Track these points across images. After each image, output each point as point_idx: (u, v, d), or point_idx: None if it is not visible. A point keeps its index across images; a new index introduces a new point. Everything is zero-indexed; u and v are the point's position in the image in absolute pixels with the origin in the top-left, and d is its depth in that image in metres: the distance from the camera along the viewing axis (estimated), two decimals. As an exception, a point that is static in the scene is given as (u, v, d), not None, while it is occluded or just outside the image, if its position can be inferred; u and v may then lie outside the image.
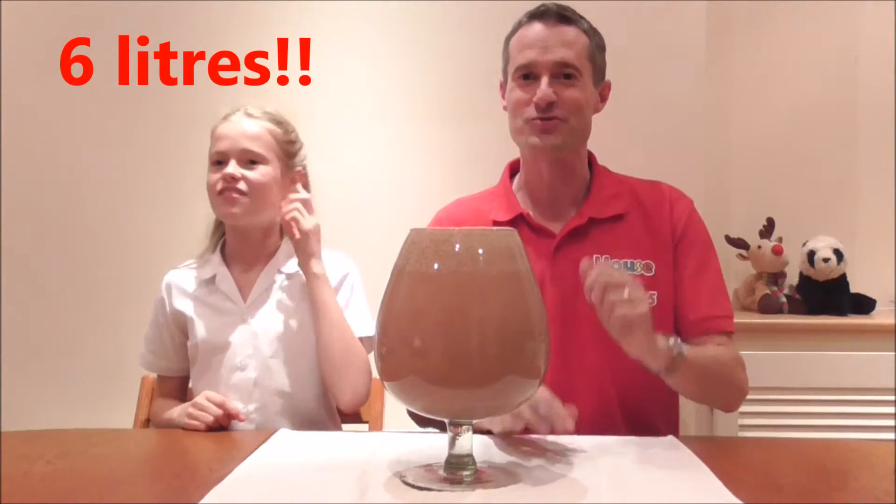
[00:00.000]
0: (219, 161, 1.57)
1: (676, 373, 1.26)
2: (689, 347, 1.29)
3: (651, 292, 1.44)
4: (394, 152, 2.42)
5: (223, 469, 1.13)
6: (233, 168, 1.55)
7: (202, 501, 1.00)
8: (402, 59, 2.42)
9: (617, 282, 1.17)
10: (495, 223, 1.53)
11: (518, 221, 1.52)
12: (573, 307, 1.44)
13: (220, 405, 1.43)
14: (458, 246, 1.03)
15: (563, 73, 1.45)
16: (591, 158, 1.59)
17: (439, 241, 1.04)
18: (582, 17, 1.51)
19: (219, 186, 1.55)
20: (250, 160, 1.57)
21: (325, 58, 2.40)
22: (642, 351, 1.22)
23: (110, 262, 2.41)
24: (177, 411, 1.49)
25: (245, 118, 1.59)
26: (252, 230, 1.61)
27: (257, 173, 1.56)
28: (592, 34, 1.51)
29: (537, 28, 1.47)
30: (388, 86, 2.42)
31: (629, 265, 1.46)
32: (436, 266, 1.02)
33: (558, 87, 1.45)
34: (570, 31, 1.47)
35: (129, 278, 2.35)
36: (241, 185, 1.55)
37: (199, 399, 1.45)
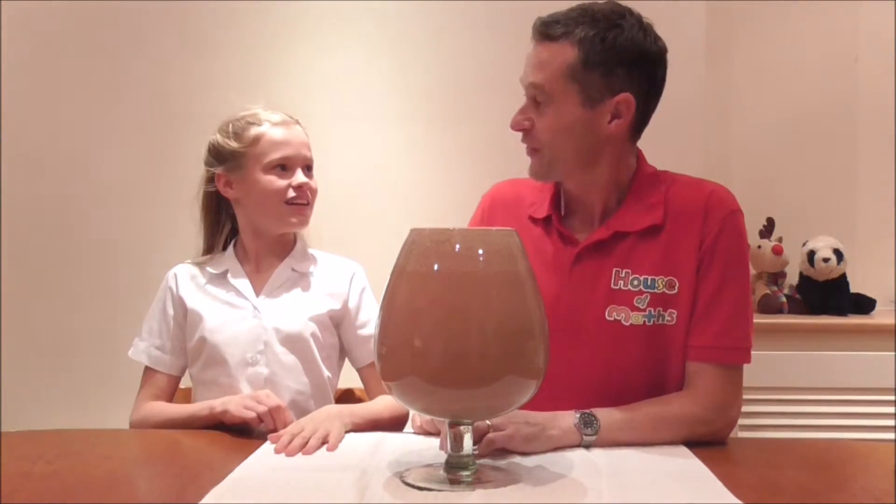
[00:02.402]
0: (282, 166, 1.55)
1: (599, 443, 1.25)
2: (608, 419, 1.25)
3: (671, 311, 1.33)
4: (394, 152, 2.42)
5: (223, 469, 1.13)
6: (303, 177, 1.55)
7: (202, 501, 1.00)
8: (402, 59, 2.41)
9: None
10: (531, 218, 1.45)
11: (548, 222, 1.44)
12: (583, 319, 1.37)
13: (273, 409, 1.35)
14: (458, 246, 1.03)
15: (535, 98, 1.34)
16: (639, 158, 1.43)
17: (439, 241, 1.04)
18: (583, 23, 1.31)
19: (290, 194, 1.54)
20: (307, 167, 1.58)
21: (326, 58, 2.40)
22: (551, 446, 1.22)
23: (111, 261, 2.40)
24: (221, 402, 1.42)
25: (295, 125, 1.59)
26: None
27: (314, 182, 1.59)
28: (590, 44, 1.30)
29: (531, 45, 1.37)
30: (388, 86, 2.42)
31: (649, 282, 1.34)
32: (436, 266, 1.02)
33: (535, 113, 1.34)
34: (548, 49, 1.32)
35: (130, 278, 2.35)
36: (308, 195, 1.57)
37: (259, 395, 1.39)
